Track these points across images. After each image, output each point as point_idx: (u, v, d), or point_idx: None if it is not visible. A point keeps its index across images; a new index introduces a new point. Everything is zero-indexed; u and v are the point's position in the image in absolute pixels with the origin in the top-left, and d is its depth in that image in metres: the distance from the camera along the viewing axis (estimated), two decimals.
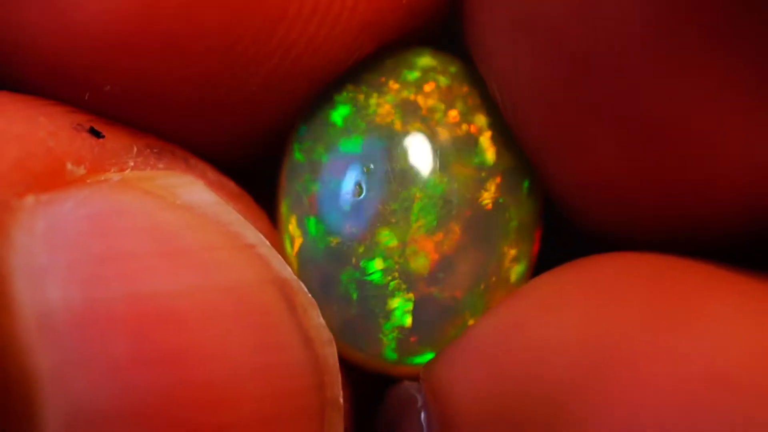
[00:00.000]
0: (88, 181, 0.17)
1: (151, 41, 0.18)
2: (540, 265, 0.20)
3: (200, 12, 0.17)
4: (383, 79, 0.20)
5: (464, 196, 0.19)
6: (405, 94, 0.19)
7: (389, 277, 0.19)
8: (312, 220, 0.19)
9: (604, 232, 0.19)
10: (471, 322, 0.19)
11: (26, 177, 0.17)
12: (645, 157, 0.17)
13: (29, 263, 0.16)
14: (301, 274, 0.20)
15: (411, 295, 0.19)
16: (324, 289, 0.19)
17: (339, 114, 0.20)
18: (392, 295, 0.19)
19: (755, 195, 0.17)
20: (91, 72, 0.18)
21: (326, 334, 0.17)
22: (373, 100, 0.20)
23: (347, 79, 0.20)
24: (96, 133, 0.18)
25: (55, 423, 0.15)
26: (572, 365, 0.16)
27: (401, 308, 0.19)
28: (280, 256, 0.18)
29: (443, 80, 0.20)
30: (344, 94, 0.20)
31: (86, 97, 0.18)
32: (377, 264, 0.19)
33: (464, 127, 0.19)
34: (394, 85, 0.20)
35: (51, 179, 0.17)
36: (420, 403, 0.19)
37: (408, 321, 0.19)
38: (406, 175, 0.19)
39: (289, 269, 0.18)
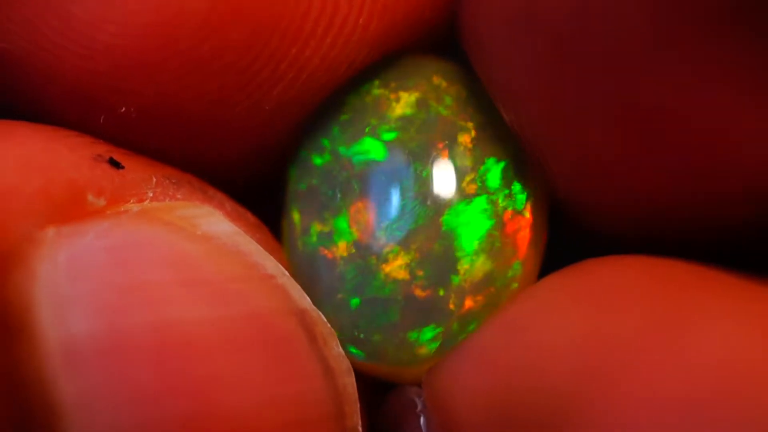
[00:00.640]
0: (109, 212, 0.17)
1: (169, 61, 0.18)
2: (542, 269, 0.20)
3: (218, 31, 0.18)
4: (393, 84, 0.20)
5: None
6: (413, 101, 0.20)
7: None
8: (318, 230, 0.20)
9: (606, 230, 0.19)
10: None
11: (48, 208, 0.17)
12: (646, 149, 0.17)
13: (52, 294, 0.16)
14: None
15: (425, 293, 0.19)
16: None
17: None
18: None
19: (757, 186, 0.17)
20: (109, 93, 0.18)
21: (345, 364, 0.18)
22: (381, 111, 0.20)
23: (352, 87, 0.20)
24: (116, 164, 0.18)
25: None
26: (573, 371, 0.16)
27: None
28: (299, 287, 0.18)
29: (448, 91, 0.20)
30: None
31: (101, 120, 0.18)
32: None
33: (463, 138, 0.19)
34: (403, 94, 0.20)
35: (72, 210, 0.17)
36: (419, 408, 0.19)
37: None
38: (420, 191, 0.19)
39: (308, 299, 0.18)
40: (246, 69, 0.18)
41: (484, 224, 0.19)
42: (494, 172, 0.19)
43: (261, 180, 0.21)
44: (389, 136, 0.19)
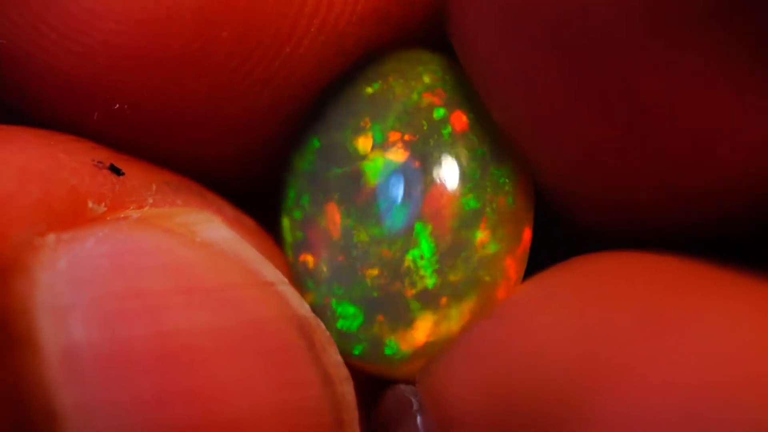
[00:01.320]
0: (108, 218, 0.17)
1: (161, 58, 0.18)
2: (535, 265, 0.20)
3: (210, 29, 0.18)
4: (387, 79, 0.20)
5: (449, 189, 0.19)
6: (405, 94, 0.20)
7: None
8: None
9: (596, 226, 0.19)
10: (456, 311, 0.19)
11: (48, 215, 0.17)
12: (637, 142, 0.17)
13: (52, 301, 0.16)
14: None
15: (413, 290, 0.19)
16: None
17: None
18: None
19: (750, 178, 0.17)
20: (102, 90, 0.18)
21: (344, 372, 0.18)
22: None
23: (345, 84, 0.20)
24: (116, 171, 0.18)
25: None
26: (570, 366, 0.16)
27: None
28: (298, 294, 0.18)
29: (436, 80, 0.20)
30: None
31: (95, 117, 0.18)
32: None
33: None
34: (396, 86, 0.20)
35: (72, 217, 0.17)
36: (415, 407, 0.19)
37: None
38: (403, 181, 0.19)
39: (307, 306, 0.18)
40: (239, 67, 0.18)
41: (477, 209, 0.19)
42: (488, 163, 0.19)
43: (255, 180, 0.21)
44: (383, 131, 0.19)
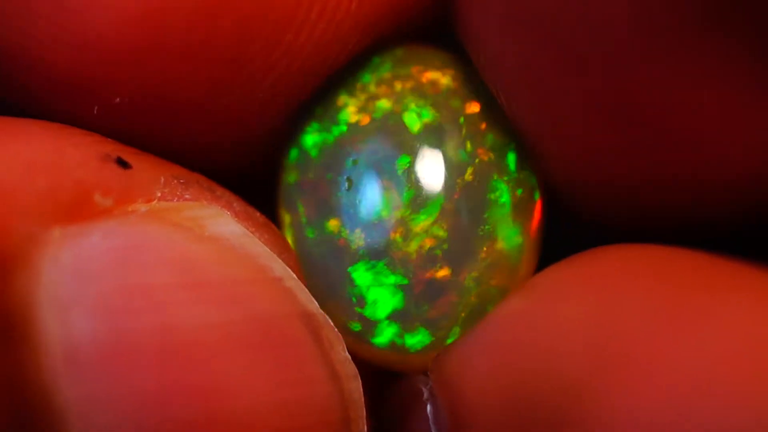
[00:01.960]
0: (115, 212, 0.17)
1: (160, 49, 0.18)
2: (547, 257, 0.20)
3: (211, 18, 0.17)
4: (388, 75, 0.20)
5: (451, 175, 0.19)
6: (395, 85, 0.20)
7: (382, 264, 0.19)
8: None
9: (599, 219, 0.19)
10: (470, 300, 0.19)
11: (54, 208, 0.17)
12: (639, 142, 0.17)
13: (56, 295, 0.16)
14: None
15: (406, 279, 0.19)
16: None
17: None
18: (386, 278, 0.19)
19: (750, 179, 0.17)
20: (101, 83, 0.18)
21: (352, 369, 0.17)
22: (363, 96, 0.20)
23: (346, 75, 0.20)
24: (124, 164, 0.18)
25: None
26: (583, 357, 0.16)
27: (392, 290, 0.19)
28: (306, 289, 0.18)
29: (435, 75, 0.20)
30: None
31: (95, 110, 0.18)
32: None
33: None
34: (387, 77, 0.20)
35: (78, 210, 0.17)
36: (426, 396, 0.19)
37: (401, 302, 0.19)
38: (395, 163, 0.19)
39: (315, 303, 0.18)
40: (238, 57, 0.18)
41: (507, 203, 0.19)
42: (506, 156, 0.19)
43: (256, 170, 0.21)
44: (380, 114, 0.19)
